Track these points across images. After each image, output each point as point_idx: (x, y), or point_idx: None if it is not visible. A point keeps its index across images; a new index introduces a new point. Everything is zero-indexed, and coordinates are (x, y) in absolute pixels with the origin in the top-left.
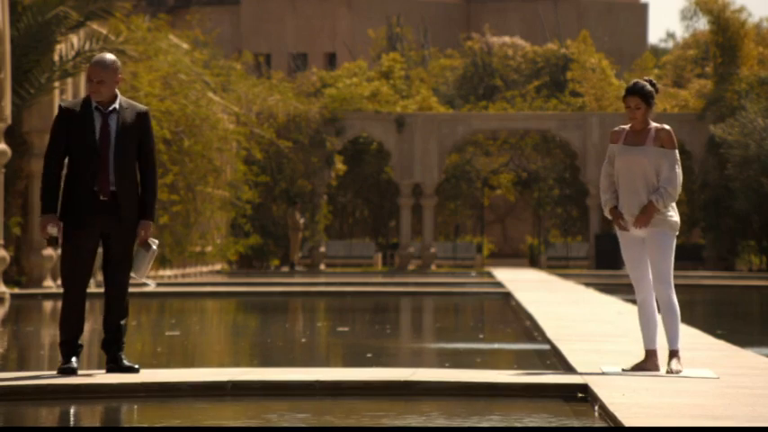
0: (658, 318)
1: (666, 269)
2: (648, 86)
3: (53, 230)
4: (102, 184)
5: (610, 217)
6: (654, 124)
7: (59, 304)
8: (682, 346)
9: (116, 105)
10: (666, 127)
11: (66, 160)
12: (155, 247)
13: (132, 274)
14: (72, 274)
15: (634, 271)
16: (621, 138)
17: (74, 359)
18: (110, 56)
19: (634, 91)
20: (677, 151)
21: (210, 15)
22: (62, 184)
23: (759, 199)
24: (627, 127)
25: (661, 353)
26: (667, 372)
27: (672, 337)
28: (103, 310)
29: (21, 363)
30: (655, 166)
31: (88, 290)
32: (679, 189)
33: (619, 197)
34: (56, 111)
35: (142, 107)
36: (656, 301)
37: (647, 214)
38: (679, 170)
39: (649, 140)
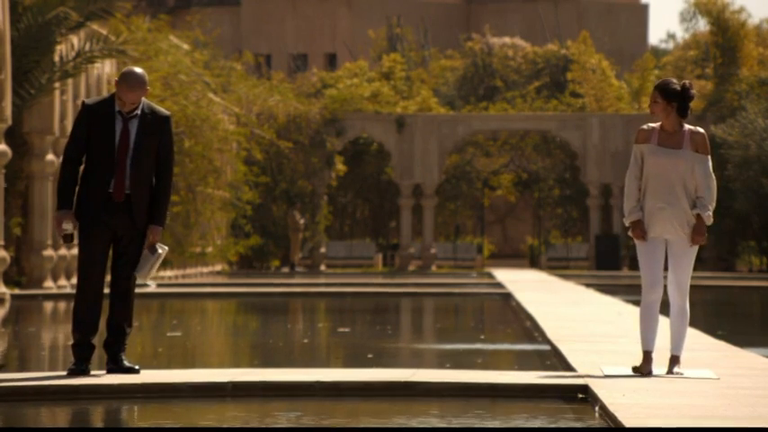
0: (659, 320)
1: (687, 276)
2: (674, 85)
3: (68, 226)
4: (118, 187)
5: (628, 224)
6: (688, 126)
7: (60, 305)
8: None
9: (138, 111)
10: (701, 130)
11: (84, 158)
12: (161, 251)
13: (135, 275)
14: (86, 274)
15: (651, 274)
16: (653, 138)
17: (86, 364)
18: (140, 74)
19: (656, 85)
20: (709, 157)
21: (211, 16)
22: (78, 181)
23: (759, 200)
24: (656, 126)
25: (658, 354)
26: (668, 373)
27: (678, 342)
28: (109, 309)
29: (21, 363)
30: (690, 171)
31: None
32: (715, 196)
33: (645, 200)
34: (57, 111)
35: (164, 112)
36: (670, 306)
37: (701, 231)
38: (713, 176)
39: (686, 143)
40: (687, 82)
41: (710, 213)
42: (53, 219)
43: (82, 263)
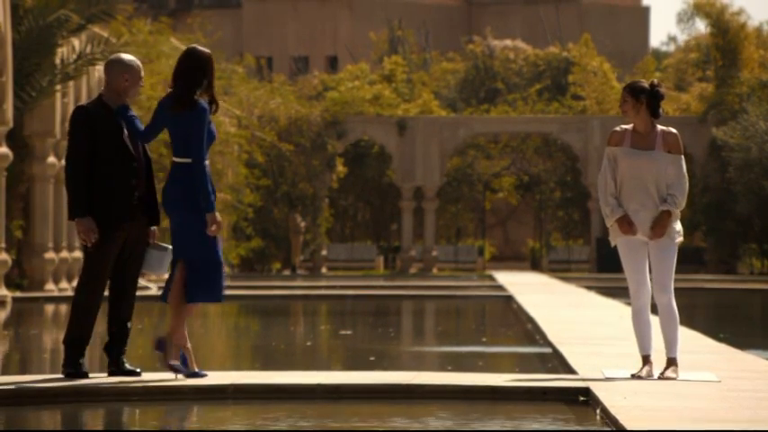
0: (652, 322)
1: (668, 277)
2: (641, 83)
3: (95, 236)
4: (138, 185)
5: (611, 225)
6: (660, 127)
7: (61, 308)
8: (683, 349)
9: (130, 109)
10: (673, 131)
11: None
12: (170, 246)
13: (150, 273)
14: (98, 277)
15: (636, 276)
16: (625, 140)
17: (83, 361)
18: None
19: (624, 86)
20: (683, 156)
21: (212, 18)
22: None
23: (760, 202)
24: (628, 128)
25: (657, 357)
26: (660, 377)
27: (672, 344)
28: (111, 308)
29: (23, 366)
30: (664, 171)
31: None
32: (686, 195)
33: (621, 202)
34: (58, 114)
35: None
36: (655, 308)
37: (663, 225)
38: (686, 176)
39: (658, 144)
40: (655, 80)
41: (678, 212)
42: (80, 225)
43: (98, 266)
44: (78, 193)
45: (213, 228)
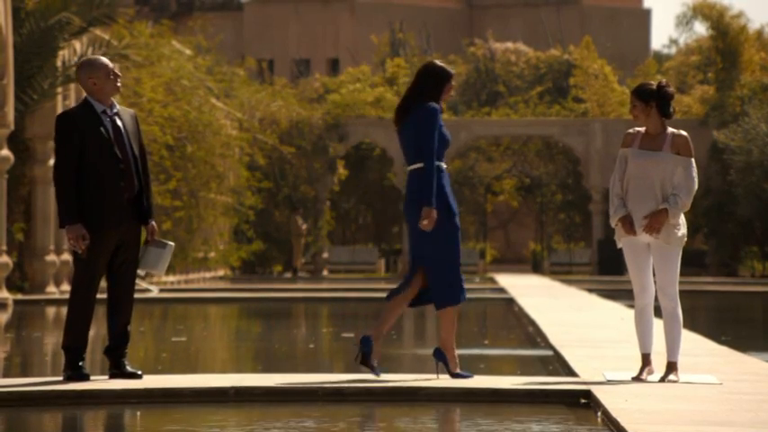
0: (654, 322)
1: (672, 280)
2: (649, 86)
3: (86, 242)
4: (129, 188)
5: (614, 224)
6: (671, 129)
7: (63, 310)
8: (684, 351)
9: (116, 108)
10: (683, 133)
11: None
12: (171, 243)
13: (149, 272)
14: (91, 279)
15: (639, 278)
16: (636, 141)
17: (83, 364)
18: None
19: (632, 90)
20: (693, 159)
21: (213, 21)
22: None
23: (762, 205)
24: (642, 130)
25: (657, 358)
26: (660, 381)
27: (673, 348)
28: (110, 313)
29: (24, 368)
30: (671, 173)
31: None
32: (692, 198)
33: (627, 202)
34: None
35: (130, 110)
36: (659, 310)
37: (659, 221)
38: (695, 179)
39: (666, 146)
40: (663, 81)
41: (678, 211)
42: (70, 233)
43: (89, 272)
44: (67, 201)
45: (425, 222)
